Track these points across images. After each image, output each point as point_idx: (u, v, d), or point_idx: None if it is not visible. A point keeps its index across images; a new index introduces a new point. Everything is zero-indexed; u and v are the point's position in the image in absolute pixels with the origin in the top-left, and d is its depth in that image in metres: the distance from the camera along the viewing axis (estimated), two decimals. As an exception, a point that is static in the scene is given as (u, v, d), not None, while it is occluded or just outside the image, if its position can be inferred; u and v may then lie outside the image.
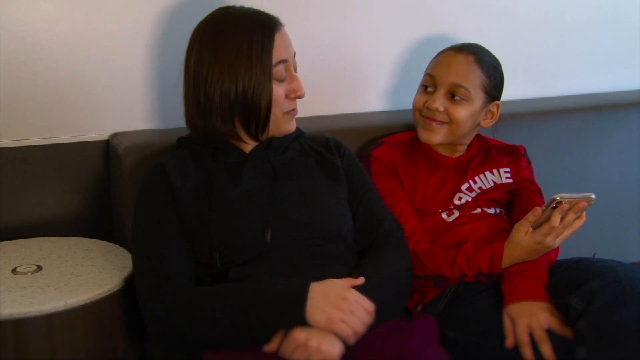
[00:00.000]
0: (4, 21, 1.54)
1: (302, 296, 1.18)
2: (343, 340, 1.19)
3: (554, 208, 1.34)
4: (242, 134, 1.37)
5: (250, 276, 1.26)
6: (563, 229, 1.36)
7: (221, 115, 1.34)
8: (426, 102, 1.59)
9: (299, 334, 1.17)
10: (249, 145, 1.41)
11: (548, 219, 1.35)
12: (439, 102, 1.57)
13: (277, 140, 1.42)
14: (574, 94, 2.23)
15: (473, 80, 1.56)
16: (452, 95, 1.57)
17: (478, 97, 1.58)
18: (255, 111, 1.33)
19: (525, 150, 1.71)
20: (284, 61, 1.34)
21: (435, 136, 1.60)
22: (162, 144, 1.56)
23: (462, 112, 1.57)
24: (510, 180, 1.64)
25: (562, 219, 1.35)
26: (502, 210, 1.63)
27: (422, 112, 1.61)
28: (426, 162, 1.63)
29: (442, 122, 1.58)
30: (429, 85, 1.60)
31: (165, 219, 1.32)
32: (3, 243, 1.56)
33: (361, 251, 1.42)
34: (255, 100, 1.32)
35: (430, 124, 1.59)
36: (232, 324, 1.20)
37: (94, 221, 1.68)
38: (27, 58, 1.57)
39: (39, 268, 1.42)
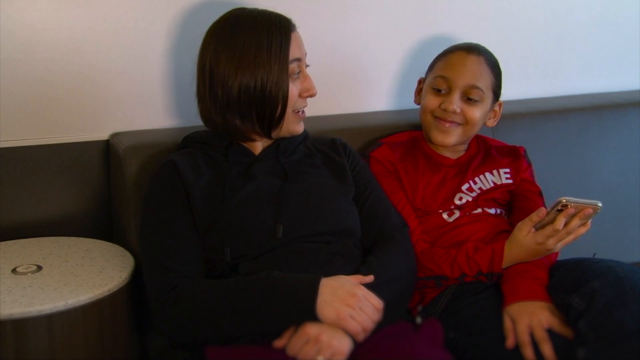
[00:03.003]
0: (4, 21, 1.54)
1: (313, 291, 1.19)
2: (351, 337, 1.20)
3: (559, 211, 1.33)
4: (257, 131, 1.38)
5: (259, 271, 1.26)
6: (566, 233, 1.35)
7: (240, 112, 1.35)
8: (441, 104, 1.59)
9: (310, 329, 1.18)
10: (258, 146, 1.43)
11: (552, 221, 1.35)
12: (457, 104, 1.57)
13: (284, 143, 1.43)
14: (574, 94, 2.22)
15: (485, 80, 1.58)
16: (466, 96, 1.57)
17: (489, 97, 1.59)
18: (272, 107, 1.34)
19: (525, 151, 1.71)
20: (297, 59, 1.37)
21: (451, 137, 1.60)
22: (163, 144, 1.56)
23: (476, 113, 1.58)
24: (510, 181, 1.64)
25: (566, 223, 1.34)
26: (503, 210, 1.63)
27: (435, 114, 1.60)
28: (427, 163, 1.63)
29: (457, 124, 1.59)
30: (442, 88, 1.60)
31: (177, 214, 1.32)
32: (3, 243, 1.56)
33: (367, 248, 1.43)
34: (273, 96, 1.33)
35: (445, 125, 1.59)
36: (242, 318, 1.21)
37: (94, 221, 1.68)
38: (27, 58, 1.57)
39: (39, 268, 1.42)
